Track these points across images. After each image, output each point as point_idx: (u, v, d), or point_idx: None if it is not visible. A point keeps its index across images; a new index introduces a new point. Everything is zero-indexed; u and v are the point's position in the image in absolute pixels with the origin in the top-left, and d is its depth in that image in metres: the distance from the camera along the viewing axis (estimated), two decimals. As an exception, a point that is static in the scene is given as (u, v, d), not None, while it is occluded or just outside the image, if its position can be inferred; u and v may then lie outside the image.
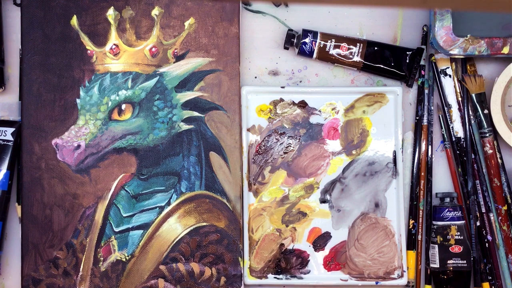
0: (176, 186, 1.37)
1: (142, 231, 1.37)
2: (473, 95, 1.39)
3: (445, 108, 1.40)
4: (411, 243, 1.39)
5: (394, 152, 1.40)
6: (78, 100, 1.38)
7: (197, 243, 1.37)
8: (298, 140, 1.40)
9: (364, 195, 1.40)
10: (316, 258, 1.40)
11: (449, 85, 1.41)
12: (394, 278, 1.39)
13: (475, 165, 1.39)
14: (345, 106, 1.40)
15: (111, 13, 1.38)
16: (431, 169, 1.40)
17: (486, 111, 1.39)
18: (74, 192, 1.37)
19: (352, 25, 1.41)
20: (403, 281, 1.39)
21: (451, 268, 1.37)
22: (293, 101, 1.40)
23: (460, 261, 1.37)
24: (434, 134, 1.41)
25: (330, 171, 1.40)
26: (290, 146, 1.40)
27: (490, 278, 1.39)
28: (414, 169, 1.40)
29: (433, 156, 1.41)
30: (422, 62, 1.40)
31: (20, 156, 1.38)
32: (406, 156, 1.41)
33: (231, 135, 1.38)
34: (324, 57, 1.39)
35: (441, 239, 1.37)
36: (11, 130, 1.38)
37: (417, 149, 1.40)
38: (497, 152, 1.39)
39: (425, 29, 1.40)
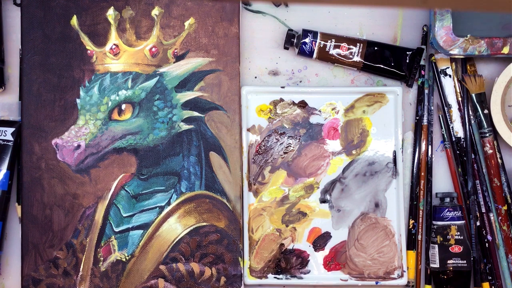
0: (176, 186, 1.37)
1: (142, 231, 1.37)
2: (473, 95, 1.39)
3: (445, 108, 1.40)
4: (411, 243, 1.39)
5: (394, 152, 1.40)
6: (78, 100, 1.38)
7: (197, 243, 1.37)
8: (298, 140, 1.40)
9: (364, 195, 1.40)
10: (316, 258, 1.40)
11: (449, 85, 1.41)
12: (394, 278, 1.39)
13: (475, 165, 1.39)
14: (345, 106, 1.40)
15: (111, 13, 1.38)
16: (431, 169, 1.40)
17: (486, 111, 1.39)
18: (74, 192, 1.37)
19: (352, 25, 1.41)
20: (403, 281, 1.39)
21: (451, 268, 1.37)
22: (293, 101, 1.40)
23: (460, 261, 1.37)
24: (434, 134, 1.41)
25: (330, 171, 1.40)
26: (290, 146, 1.40)
27: (490, 278, 1.39)
28: (414, 169, 1.40)
29: (433, 156, 1.41)
30: (422, 62, 1.40)
31: (20, 156, 1.38)
32: (406, 156, 1.41)
33: (231, 135, 1.38)
34: (324, 57, 1.39)
35: (441, 239, 1.37)
36: (11, 130, 1.38)
37: (417, 149, 1.40)
38: (497, 152, 1.39)
39: (425, 29, 1.40)
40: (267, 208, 1.40)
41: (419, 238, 1.40)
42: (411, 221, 1.40)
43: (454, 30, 1.36)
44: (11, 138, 1.38)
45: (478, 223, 1.39)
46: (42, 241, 1.37)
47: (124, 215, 1.37)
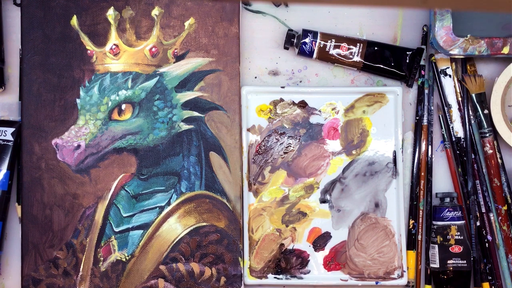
0: (176, 186, 1.37)
1: (142, 231, 1.37)
2: (473, 95, 1.39)
3: (445, 108, 1.40)
4: (411, 243, 1.39)
5: (394, 152, 1.40)
6: (78, 100, 1.38)
7: (197, 243, 1.37)
8: (298, 140, 1.40)
9: (364, 195, 1.40)
10: (316, 258, 1.40)
11: (449, 85, 1.41)
12: (394, 278, 1.39)
13: (475, 165, 1.39)
14: (345, 106, 1.40)
15: (111, 13, 1.38)
16: (431, 169, 1.40)
17: (486, 111, 1.39)
18: (74, 192, 1.37)
19: (352, 25, 1.41)
20: (403, 281, 1.39)
21: (451, 268, 1.37)
22: (293, 101, 1.40)
23: (460, 261, 1.37)
24: (434, 134, 1.41)
25: (330, 171, 1.40)
26: (290, 146, 1.40)
27: (490, 278, 1.39)
28: (414, 169, 1.40)
29: (433, 156, 1.41)
30: (422, 62, 1.40)
31: (20, 156, 1.38)
32: (406, 156, 1.41)
33: (231, 135, 1.38)
34: (324, 57, 1.39)
35: (441, 239, 1.37)
36: (11, 130, 1.38)
37: (417, 149, 1.40)
38: (497, 152, 1.39)
39: (425, 29, 1.40)
40: (267, 208, 1.40)
41: (419, 238, 1.40)
42: (411, 221, 1.40)
43: (454, 30, 1.36)
44: (11, 138, 1.38)
45: (478, 223, 1.39)
46: (42, 241, 1.37)
47: (124, 215, 1.37)
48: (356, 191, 1.40)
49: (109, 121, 1.38)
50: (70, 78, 1.38)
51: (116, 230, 1.37)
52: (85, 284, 1.36)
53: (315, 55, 1.39)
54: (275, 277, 1.39)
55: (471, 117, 1.40)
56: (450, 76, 1.40)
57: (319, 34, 1.39)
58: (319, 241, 1.40)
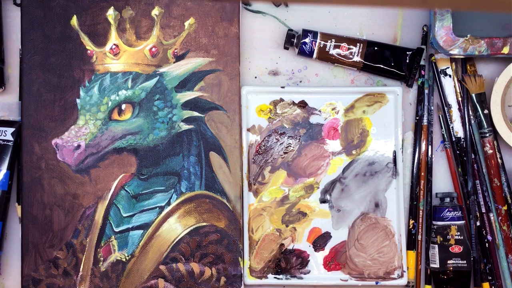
0: (176, 186, 1.37)
1: (142, 231, 1.37)
2: (473, 95, 1.39)
3: (445, 108, 1.40)
4: (411, 243, 1.39)
5: (394, 152, 1.40)
6: (78, 100, 1.38)
7: (197, 243, 1.37)
8: (298, 140, 1.40)
9: (364, 195, 1.40)
10: (316, 258, 1.40)
11: (449, 85, 1.41)
12: (394, 278, 1.39)
13: (475, 165, 1.39)
14: (345, 106, 1.40)
15: (111, 13, 1.38)
16: (431, 169, 1.40)
17: (486, 111, 1.39)
18: (74, 192, 1.37)
19: (352, 25, 1.41)
20: (403, 281, 1.39)
21: (451, 268, 1.37)
22: (293, 101, 1.40)
23: (460, 261, 1.37)
24: (434, 134, 1.41)
25: (330, 171, 1.40)
26: (290, 146, 1.40)
27: (490, 278, 1.39)
28: (414, 169, 1.40)
29: (433, 156, 1.41)
30: (422, 62, 1.40)
31: (20, 156, 1.38)
32: (406, 156, 1.41)
33: (231, 135, 1.38)
34: (324, 57, 1.39)
35: (441, 239, 1.37)
36: (11, 130, 1.38)
37: (417, 149, 1.40)
38: (497, 152, 1.39)
39: (425, 29, 1.40)
40: (267, 208, 1.40)
41: (419, 238, 1.40)
42: (411, 221, 1.40)
43: (454, 30, 1.36)
44: (11, 138, 1.38)
45: (478, 223, 1.39)
46: (42, 241, 1.37)
47: (124, 215, 1.37)
48: (356, 191, 1.40)
49: (109, 121, 1.38)
50: (70, 78, 1.38)
51: (116, 230, 1.37)
52: (85, 284, 1.36)
53: (315, 55, 1.39)
54: (275, 277, 1.39)
55: (471, 117, 1.40)
56: (450, 76, 1.40)
57: (319, 34, 1.39)
58: (319, 241, 1.40)
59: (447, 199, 1.38)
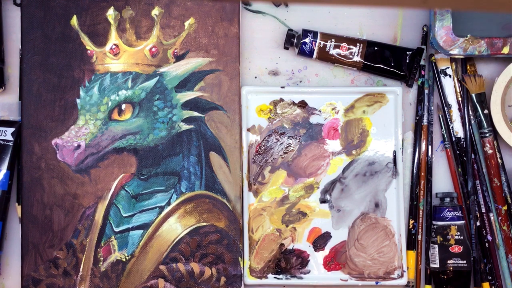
0: (176, 186, 1.37)
1: (142, 231, 1.37)
2: (473, 95, 1.39)
3: (445, 108, 1.40)
4: (411, 243, 1.39)
5: (394, 152, 1.40)
6: (78, 100, 1.38)
7: (197, 243, 1.37)
8: (298, 140, 1.40)
9: (364, 195, 1.40)
10: (316, 258, 1.40)
11: (449, 85, 1.41)
12: (394, 278, 1.39)
13: (475, 165, 1.39)
14: (345, 106, 1.40)
15: (111, 13, 1.38)
16: (431, 169, 1.40)
17: (486, 111, 1.39)
18: (74, 192, 1.37)
19: (352, 25, 1.41)
20: (403, 281, 1.39)
21: (451, 268, 1.37)
22: (293, 101, 1.40)
23: (460, 261, 1.37)
24: (434, 134, 1.41)
25: (330, 171, 1.40)
26: (290, 146, 1.40)
27: (490, 278, 1.39)
28: (414, 169, 1.40)
29: (433, 156, 1.41)
30: (422, 62, 1.40)
31: (20, 156, 1.38)
32: (406, 156, 1.41)
33: (231, 135, 1.38)
34: (324, 57, 1.39)
35: (441, 239, 1.37)
36: (11, 130, 1.38)
37: (417, 149, 1.40)
38: (497, 152, 1.39)
39: (425, 29, 1.40)
40: (267, 208, 1.40)
41: (419, 238, 1.40)
42: (411, 221, 1.40)
43: (454, 30, 1.36)
44: (11, 138, 1.38)
45: (478, 223, 1.39)
46: (42, 241, 1.37)
47: (124, 215, 1.37)
48: (356, 191, 1.40)
49: (109, 121, 1.38)
50: (70, 78, 1.38)
51: (116, 230, 1.37)
52: (85, 284, 1.36)
53: (315, 55, 1.39)
54: (275, 277, 1.39)
55: (471, 117, 1.40)
56: (450, 76, 1.40)
57: (319, 34, 1.39)
58: (319, 241, 1.40)
59: (447, 199, 1.38)
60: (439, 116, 1.41)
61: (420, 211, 1.40)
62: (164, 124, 1.38)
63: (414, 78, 1.40)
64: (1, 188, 1.37)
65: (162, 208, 1.37)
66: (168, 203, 1.38)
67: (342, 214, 1.40)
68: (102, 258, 1.37)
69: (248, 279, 1.38)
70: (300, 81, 1.41)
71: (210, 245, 1.37)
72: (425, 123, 1.40)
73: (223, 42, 1.39)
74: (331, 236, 1.40)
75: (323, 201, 1.40)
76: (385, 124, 1.40)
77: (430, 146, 1.40)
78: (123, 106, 1.38)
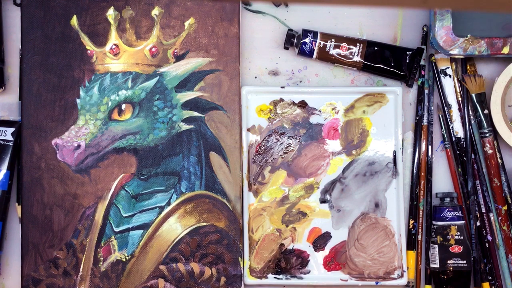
0: (176, 186, 1.37)
1: (142, 231, 1.37)
2: (473, 95, 1.39)
3: (445, 108, 1.40)
4: (411, 243, 1.39)
5: (394, 152, 1.40)
6: (78, 100, 1.38)
7: (197, 243, 1.37)
8: (298, 140, 1.40)
9: (364, 195, 1.40)
10: (316, 258, 1.40)
11: (449, 85, 1.41)
12: (394, 278, 1.39)
13: (475, 165, 1.39)
14: (345, 106, 1.40)
15: (111, 13, 1.38)
16: (431, 169, 1.40)
17: (486, 111, 1.39)
18: (74, 192, 1.37)
19: (352, 25, 1.41)
20: (403, 281, 1.39)
21: (451, 268, 1.37)
22: (293, 101, 1.40)
23: (460, 261, 1.37)
24: (434, 134, 1.41)
25: (330, 171, 1.40)
26: (290, 146, 1.40)
27: (490, 278, 1.39)
28: (414, 169, 1.40)
29: (433, 156, 1.41)
30: (422, 62, 1.40)
31: (20, 156, 1.38)
32: (406, 156, 1.41)
33: (231, 135, 1.38)
34: (324, 57, 1.39)
35: (441, 239, 1.37)
36: (11, 130, 1.38)
37: (417, 149, 1.40)
38: (497, 152, 1.39)
39: (425, 29, 1.40)
40: (267, 208, 1.40)
41: (419, 238, 1.40)
42: (411, 221, 1.40)
43: (454, 30, 1.36)
44: (11, 138, 1.38)
45: (478, 223, 1.39)
46: (42, 241, 1.37)
47: (124, 215, 1.37)
48: (356, 191, 1.40)
49: (109, 121, 1.38)
50: (70, 78, 1.38)
51: (116, 230, 1.37)
52: (85, 284, 1.36)
53: (315, 55, 1.39)
54: (275, 277, 1.39)
55: (471, 117, 1.40)
56: (450, 76, 1.40)
57: (319, 34, 1.39)
58: (319, 241, 1.40)
59: (447, 199, 1.38)
60: (439, 116, 1.41)
61: (420, 211, 1.40)
62: (164, 124, 1.38)
63: (414, 78, 1.40)
64: (1, 188, 1.37)
65: (162, 208, 1.37)
66: (168, 203, 1.38)
67: (342, 214, 1.40)
68: (102, 258, 1.37)
69: (248, 279, 1.38)
70: (300, 81, 1.41)
71: (210, 245, 1.37)
72: (425, 123, 1.40)
73: (223, 42, 1.39)
74: (331, 236, 1.40)
75: (323, 201, 1.40)
76: (385, 124, 1.40)
77: (430, 146, 1.40)
78: (123, 106, 1.38)
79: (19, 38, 1.39)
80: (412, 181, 1.40)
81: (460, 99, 1.40)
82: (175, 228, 1.37)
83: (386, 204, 1.40)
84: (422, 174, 1.40)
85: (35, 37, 1.38)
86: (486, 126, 1.38)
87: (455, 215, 1.37)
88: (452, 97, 1.41)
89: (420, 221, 1.40)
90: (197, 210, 1.38)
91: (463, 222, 1.37)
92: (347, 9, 1.41)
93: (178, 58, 1.38)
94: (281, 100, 1.41)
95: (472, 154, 1.39)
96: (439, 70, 1.40)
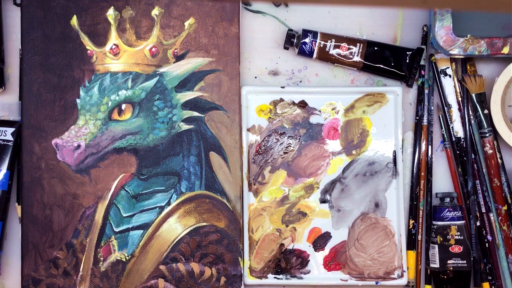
0: (176, 186, 1.37)
1: (142, 231, 1.37)
2: (473, 95, 1.39)
3: (445, 108, 1.40)
4: (411, 243, 1.39)
5: (394, 152, 1.40)
6: (78, 100, 1.38)
7: (197, 243, 1.37)
8: (298, 140, 1.40)
9: (364, 195, 1.40)
10: (316, 258, 1.40)
11: (449, 85, 1.41)
12: (394, 278, 1.39)
13: (475, 165, 1.39)
14: (345, 106, 1.40)
15: (111, 13, 1.38)
16: (431, 169, 1.40)
17: (486, 111, 1.39)
18: (74, 192, 1.37)
19: (352, 25, 1.41)
20: (403, 281, 1.39)
21: (451, 268, 1.37)
22: (293, 101, 1.40)
23: (460, 261, 1.37)
24: (434, 134, 1.41)
25: (330, 171, 1.40)
26: (290, 146, 1.40)
27: (490, 278, 1.39)
28: (414, 169, 1.40)
29: (433, 156, 1.41)
30: (422, 62, 1.40)
31: (20, 156, 1.38)
32: (406, 156, 1.41)
33: (231, 135, 1.38)
34: (324, 57, 1.39)
35: (441, 239, 1.37)
36: (11, 130, 1.38)
37: (417, 149, 1.40)
38: (497, 152, 1.39)
39: (425, 29, 1.40)
40: (267, 208, 1.40)
41: (419, 238, 1.40)
42: (411, 221, 1.40)
43: (454, 30, 1.36)
44: (11, 138, 1.38)
45: (478, 223, 1.39)
46: (42, 241, 1.37)
47: (124, 215, 1.37)
48: (356, 191, 1.40)
49: (109, 121, 1.38)
50: (70, 78, 1.38)
51: (116, 230, 1.37)
52: (85, 284, 1.36)
53: (315, 55, 1.39)
54: (275, 277, 1.39)
55: (471, 117, 1.40)
56: (450, 76, 1.40)
57: (319, 34, 1.39)
58: (319, 241, 1.40)
59: (447, 199, 1.38)
60: (439, 116, 1.41)
61: (420, 211, 1.40)
62: (164, 124, 1.38)
63: (414, 78, 1.40)
64: (1, 188, 1.37)
65: (162, 208, 1.37)
66: (168, 203, 1.38)
67: (342, 214, 1.40)
68: (102, 258, 1.37)
69: (248, 279, 1.38)
70: (300, 81, 1.41)
71: (210, 245, 1.37)
72: (425, 123, 1.40)
73: (223, 42, 1.39)
74: (331, 236, 1.40)
75: (323, 201, 1.40)
76: (385, 124, 1.40)
77: (430, 146, 1.40)
78: (123, 106, 1.38)
79: (19, 38, 1.39)
80: (412, 181, 1.40)
81: (460, 99, 1.40)
82: (175, 228, 1.37)
83: (386, 204, 1.40)
84: (422, 174, 1.40)
85: (35, 37, 1.38)
86: (486, 126, 1.38)
87: (455, 215, 1.37)
88: (452, 97, 1.41)
89: (420, 221, 1.40)
90: (197, 210, 1.38)
91: (463, 222, 1.37)
92: (347, 9, 1.41)
93: (178, 58, 1.38)
94: (281, 100, 1.41)
95: (472, 154, 1.39)
96: (439, 70, 1.40)
